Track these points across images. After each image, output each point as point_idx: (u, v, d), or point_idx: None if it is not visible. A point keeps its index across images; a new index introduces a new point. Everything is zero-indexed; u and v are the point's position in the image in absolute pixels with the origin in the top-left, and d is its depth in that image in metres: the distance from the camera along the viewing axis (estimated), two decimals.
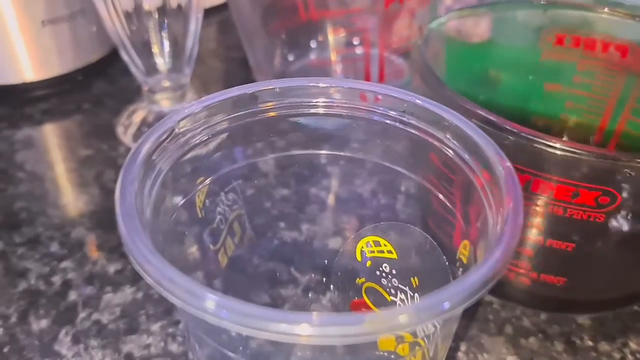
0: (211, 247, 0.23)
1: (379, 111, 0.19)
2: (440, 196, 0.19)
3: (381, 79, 0.44)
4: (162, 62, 0.40)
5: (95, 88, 0.49)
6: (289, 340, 0.13)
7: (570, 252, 0.26)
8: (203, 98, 0.20)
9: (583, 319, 0.30)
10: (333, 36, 0.45)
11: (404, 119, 0.19)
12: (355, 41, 0.45)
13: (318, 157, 0.22)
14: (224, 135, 0.21)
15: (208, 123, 0.20)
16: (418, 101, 0.18)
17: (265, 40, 0.45)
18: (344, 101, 0.19)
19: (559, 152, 0.22)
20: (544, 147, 0.22)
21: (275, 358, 0.23)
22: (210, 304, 0.13)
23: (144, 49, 0.40)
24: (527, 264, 0.27)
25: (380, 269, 0.22)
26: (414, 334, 0.20)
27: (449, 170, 0.18)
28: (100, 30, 0.48)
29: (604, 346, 0.29)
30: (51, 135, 0.44)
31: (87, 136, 0.44)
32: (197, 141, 0.20)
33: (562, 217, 0.24)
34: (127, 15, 0.38)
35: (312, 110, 0.20)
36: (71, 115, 0.46)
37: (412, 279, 0.21)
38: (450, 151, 0.18)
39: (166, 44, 0.40)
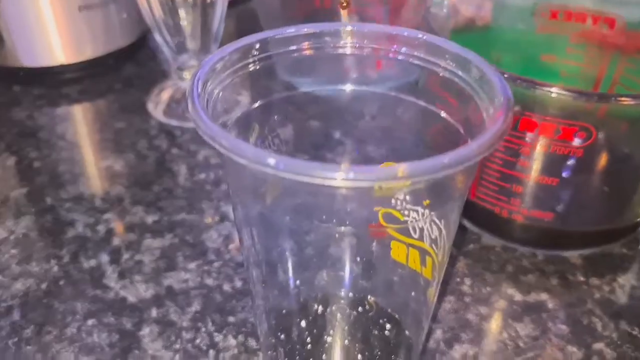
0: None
1: (393, 49, 0.23)
2: (451, 119, 0.23)
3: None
4: (191, 41, 0.44)
5: (125, 71, 0.53)
6: (326, 183, 0.16)
7: (555, 187, 0.29)
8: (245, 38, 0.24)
9: (575, 259, 0.33)
10: (346, 22, 0.49)
11: (418, 55, 0.22)
12: None
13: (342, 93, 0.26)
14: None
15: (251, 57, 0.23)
16: (431, 39, 0.22)
17: (284, 23, 0.49)
18: (366, 41, 0.23)
19: (542, 92, 0.26)
20: (530, 88, 0.26)
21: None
22: (272, 161, 0.16)
23: (175, 30, 0.43)
24: (518, 201, 0.31)
25: (395, 197, 0.25)
26: (422, 237, 0.24)
27: (460, 97, 0.22)
28: (130, 17, 0.52)
29: (594, 281, 0.32)
30: (87, 112, 0.48)
31: (120, 112, 0.47)
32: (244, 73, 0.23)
33: (547, 153, 0.28)
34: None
35: (341, 51, 0.23)
36: (104, 95, 0.50)
37: (423, 201, 0.24)
38: (455, 77, 0.22)
39: (195, 24, 0.43)
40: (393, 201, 0.26)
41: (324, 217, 0.26)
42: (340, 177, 0.16)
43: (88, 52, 0.51)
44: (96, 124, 0.46)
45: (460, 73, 0.21)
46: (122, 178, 0.40)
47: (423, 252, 0.25)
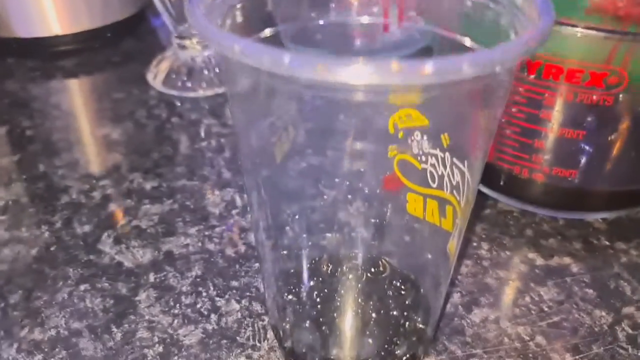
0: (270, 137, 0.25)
1: None
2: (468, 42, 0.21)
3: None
4: None
5: (124, 45, 0.51)
6: (338, 80, 0.14)
7: (580, 141, 0.27)
8: None
9: (599, 224, 0.31)
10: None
11: None
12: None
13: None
14: None
15: None
16: None
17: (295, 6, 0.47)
18: None
19: (568, 33, 0.24)
20: (555, 30, 0.24)
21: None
22: (286, 59, 0.14)
23: None
24: (540, 158, 0.29)
25: (412, 137, 0.23)
26: (441, 186, 0.22)
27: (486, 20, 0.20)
28: None
29: (620, 245, 0.30)
30: (84, 83, 0.46)
31: (118, 83, 0.45)
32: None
33: (572, 103, 0.26)
34: None
35: None
36: (102, 68, 0.48)
37: (442, 137, 0.22)
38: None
39: None
40: (409, 141, 0.24)
41: (335, 167, 0.24)
42: (358, 69, 0.14)
43: (84, 23, 0.49)
44: (93, 95, 0.45)
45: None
46: (119, 146, 0.38)
47: (442, 202, 0.23)
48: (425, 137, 0.23)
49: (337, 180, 0.27)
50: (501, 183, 0.32)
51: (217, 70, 0.44)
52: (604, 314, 0.27)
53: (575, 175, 0.29)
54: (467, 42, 0.21)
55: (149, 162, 0.36)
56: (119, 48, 0.51)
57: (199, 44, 0.44)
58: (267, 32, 0.23)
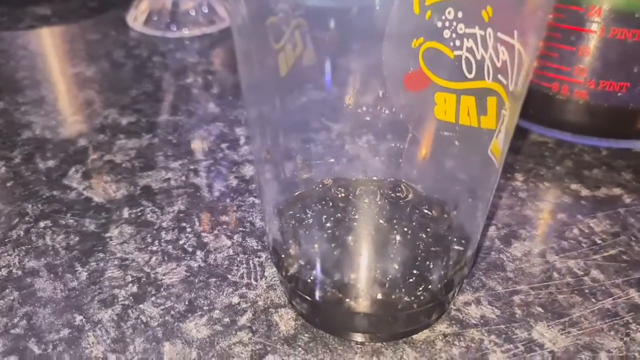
0: (274, 44, 0.20)
1: None
2: None
3: None
4: None
5: None
6: None
7: (636, 43, 0.23)
8: None
9: None
10: None
11: None
12: None
13: None
14: None
15: None
16: None
17: None
18: None
19: None
20: None
21: None
22: None
23: None
24: (585, 68, 0.24)
25: (443, 17, 0.19)
26: (481, 75, 0.18)
27: None
28: None
29: None
30: (56, 27, 0.42)
31: (94, 25, 0.41)
32: None
33: None
34: None
35: None
36: (77, 11, 0.43)
37: (483, 12, 0.18)
38: None
39: None
40: (439, 23, 0.20)
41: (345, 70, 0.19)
42: None
43: None
44: (66, 37, 0.40)
45: None
46: (93, 83, 0.33)
47: (482, 95, 0.19)
48: (460, 14, 0.19)
49: (348, 83, 0.22)
50: (532, 108, 0.27)
51: (204, 10, 0.39)
52: None
53: (625, 89, 0.24)
54: None
55: (126, 99, 0.32)
56: None
57: None
58: None
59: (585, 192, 0.25)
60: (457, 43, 0.19)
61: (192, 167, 0.26)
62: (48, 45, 0.38)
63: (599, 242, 0.22)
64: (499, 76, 0.18)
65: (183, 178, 0.26)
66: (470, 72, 0.19)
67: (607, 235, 0.23)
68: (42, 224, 0.23)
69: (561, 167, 0.26)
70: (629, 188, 0.25)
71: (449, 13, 0.19)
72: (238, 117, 0.30)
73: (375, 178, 0.23)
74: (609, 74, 0.24)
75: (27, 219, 0.24)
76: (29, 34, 0.40)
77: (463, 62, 0.19)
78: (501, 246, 0.22)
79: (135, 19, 0.40)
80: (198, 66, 0.35)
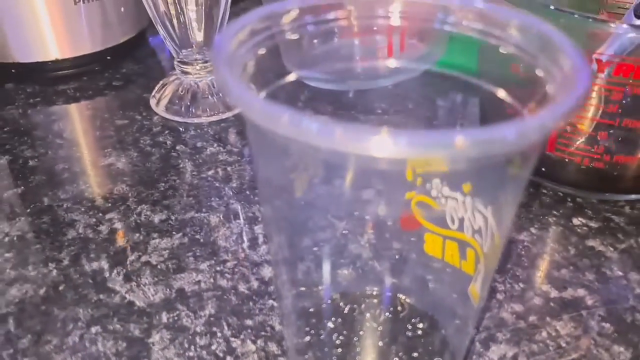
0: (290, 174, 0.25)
1: (439, 17, 0.21)
2: (501, 93, 0.20)
3: (402, 49, 0.46)
4: (195, 35, 0.42)
5: (124, 68, 0.51)
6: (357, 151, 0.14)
7: None
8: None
9: None
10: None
11: (462, 23, 0.20)
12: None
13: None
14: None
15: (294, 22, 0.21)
16: (477, 5, 0.20)
17: None
18: (402, 11, 0.21)
19: None
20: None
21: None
22: (311, 126, 0.14)
23: (179, 23, 0.41)
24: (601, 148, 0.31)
25: (430, 183, 0.23)
26: (461, 228, 0.22)
27: (512, 68, 0.20)
28: (128, 11, 0.50)
29: None
30: (85, 109, 0.46)
31: (120, 109, 0.45)
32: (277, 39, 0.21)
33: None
34: None
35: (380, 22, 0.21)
36: (103, 92, 0.48)
37: (463, 185, 0.22)
38: (511, 47, 0.19)
39: (200, 17, 0.41)
40: (428, 186, 0.24)
41: (353, 206, 0.24)
42: (383, 142, 0.14)
43: (84, 47, 0.48)
44: (95, 122, 0.44)
45: (519, 42, 0.19)
46: (125, 176, 0.38)
47: (463, 245, 0.23)
48: (445, 183, 0.23)
49: (354, 218, 0.27)
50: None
51: (220, 95, 0.44)
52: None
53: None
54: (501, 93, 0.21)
55: (156, 194, 0.36)
56: (119, 71, 0.50)
57: (202, 70, 0.43)
58: (292, 76, 0.23)
59: (554, 293, 0.29)
60: (443, 201, 0.23)
61: (218, 268, 0.31)
62: (81, 131, 0.43)
63: (564, 345, 0.27)
64: (476, 236, 0.22)
65: (211, 280, 0.30)
66: (453, 223, 0.23)
67: (571, 339, 0.27)
68: (93, 330, 0.27)
69: (533, 268, 0.31)
70: (591, 289, 0.29)
71: (435, 181, 0.23)
72: (256, 214, 0.34)
73: (375, 292, 0.27)
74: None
75: (79, 324, 0.28)
76: (62, 118, 0.44)
77: (447, 215, 0.23)
78: (481, 349, 0.26)
79: (158, 103, 0.44)
80: (218, 155, 0.39)
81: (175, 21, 0.42)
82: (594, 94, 0.30)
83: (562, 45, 0.17)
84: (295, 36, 0.21)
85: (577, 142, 0.32)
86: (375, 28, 0.22)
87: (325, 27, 0.22)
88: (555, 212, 0.34)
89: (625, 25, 0.29)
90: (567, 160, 0.33)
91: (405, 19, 0.22)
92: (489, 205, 0.21)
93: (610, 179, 0.33)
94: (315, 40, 0.28)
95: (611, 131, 0.31)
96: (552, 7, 0.30)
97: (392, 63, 0.30)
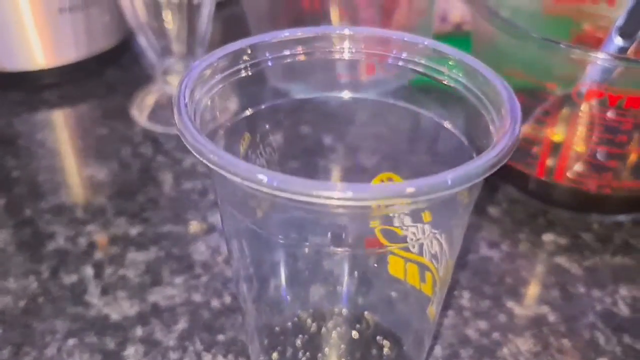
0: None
1: (392, 55, 0.21)
2: (452, 129, 0.21)
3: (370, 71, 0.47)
4: (176, 45, 0.43)
5: (108, 76, 0.51)
6: (322, 202, 0.15)
7: None
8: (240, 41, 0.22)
9: None
10: (336, 25, 0.48)
11: (416, 60, 0.21)
12: None
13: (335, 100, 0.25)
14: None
15: (254, 59, 0.22)
16: (433, 45, 0.21)
17: (273, 28, 0.47)
18: (361, 47, 0.22)
19: None
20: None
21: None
22: (263, 178, 0.15)
23: (160, 32, 0.42)
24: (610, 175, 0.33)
25: (394, 215, 0.24)
26: (421, 252, 0.23)
27: (460, 105, 0.20)
28: (112, 19, 0.50)
29: None
30: (68, 118, 0.47)
31: (102, 118, 0.46)
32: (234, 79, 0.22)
33: None
34: (146, 0, 0.40)
35: (336, 56, 0.22)
36: (86, 100, 0.48)
37: (422, 214, 0.23)
38: (460, 86, 0.20)
39: (181, 27, 0.42)
40: (391, 215, 0.25)
41: (317, 231, 0.24)
42: (338, 195, 0.15)
43: (69, 56, 0.49)
44: (78, 131, 0.45)
45: (463, 80, 0.20)
46: (105, 187, 0.38)
47: (422, 267, 0.24)
48: (406, 213, 0.24)
49: (319, 237, 0.28)
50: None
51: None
52: None
53: None
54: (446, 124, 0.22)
55: (134, 206, 0.37)
56: (103, 79, 0.51)
57: None
58: (249, 111, 0.24)
59: (518, 310, 0.30)
60: (404, 228, 0.24)
61: (192, 282, 0.31)
62: (63, 141, 0.43)
63: None
64: (433, 260, 0.23)
65: (185, 295, 0.31)
66: (413, 247, 0.24)
67: (531, 355, 0.28)
68: (70, 342, 0.28)
69: (501, 285, 0.32)
70: (554, 306, 0.30)
71: (398, 215, 0.24)
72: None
73: (344, 310, 0.28)
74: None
75: (57, 336, 0.29)
76: (45, 127, 0.45)
77: (408, 239, 0.24)
78: None
79: (140, 113, 0.45)
80: (197, 166, 0.40)
81: (156, 31, 0.42)
82: (603, 125, 0.32)
83: (503, 94, 0.18)
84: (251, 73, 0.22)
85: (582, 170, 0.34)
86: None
87: (283, 63, 0.22)
88: (526, 229, 0.35)
89: (603, 55, 0.30)
90: (569, 186, 0.35)
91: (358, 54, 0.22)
92: (443, 233, 0.22)
93: (601, 200, 0.35)
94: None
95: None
96: (535, 35, 0.31)
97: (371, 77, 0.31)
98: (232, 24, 0.59)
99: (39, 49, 0.47)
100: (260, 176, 0.15)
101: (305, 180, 0.15)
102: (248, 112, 0.23)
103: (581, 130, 0.34)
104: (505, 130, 0.17)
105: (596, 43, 0.43)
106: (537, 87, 0.35)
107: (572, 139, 0.34)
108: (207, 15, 0.42)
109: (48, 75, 0.49)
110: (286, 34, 0.22)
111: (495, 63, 0.37)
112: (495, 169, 0.16)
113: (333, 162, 0.30)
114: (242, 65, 0.21)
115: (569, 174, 0.34)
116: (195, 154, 0.17)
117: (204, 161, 0.17)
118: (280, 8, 0.48)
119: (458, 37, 0.52)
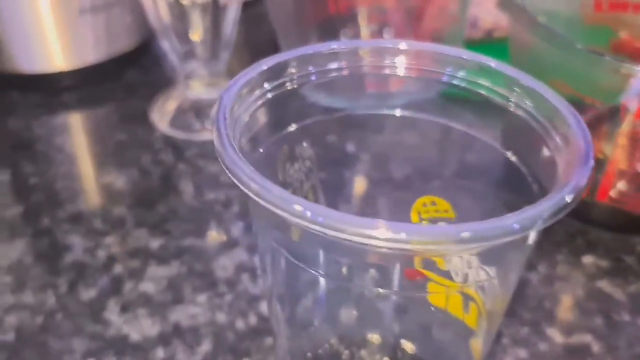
0: None
1: (445, 72, 0.20)
2: (509, 155, 0.20)
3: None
4: (200, 48, 0.41)
5: (128, 77, 0.50)
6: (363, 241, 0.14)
7: None
8: (283, 54, 0.21)
9: None
10: (364, 28, 0.46)
11: (469, 78, 0.20)
12: (387, 33, 0.46)
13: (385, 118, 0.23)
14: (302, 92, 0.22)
15: (296, 73, 0.21)
16: (487, 62, 0.19)
17: (298, 30, 0.46)
18: (413, 63, 0.20)
19: None
20: None
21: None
22: (299, 208, 0.14)
23: (184, 35, 0.41)
24: None
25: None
26: (465, 280, 0.21)
27: (519, 129, 0.19)
28: (133, 20, 0.49)
29: None
30: (87, 121, 0.45)
31: (121, 122, 0.44)
32: (276, 97, 0.21)
33: None
34: (169, 2, 0.39)
35: (385, 71, 0.21)
36: (105, 103, 0.47)
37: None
38: (519, 110, 0.19)
39: (205, 30, 0.41)
40: None
41: (356, 263, 0.23)
42: (386, 236, 0.14)
43: (88, 58, 0.48)
44: (96, 135, 0.44)
45: (529, 105, 0.18)
46: (124, 196, 0.37)
47: (466, 298, 0.22)
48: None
49: (358, 271, 0.26)
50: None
51: None
52: None
53: None
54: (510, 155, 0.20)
55: (155, 216, 0.35)
56: (123, 81, 0.49)
57: (204, 87, 0.43)
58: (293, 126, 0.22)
59: (558, 337, 0.29)
60: (447, 258, 0.22)
61: (216, 301, 0.30)
62: (82, 146, 0.42)
63: None
64: (479, 291, 0.22)
65: (209, 314, 0.29)
66: (457, 276, 0.23)
67: None
68: None
69: (539, 310, 0.30)
70: (598, 334, 0.29)
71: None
72: (256, 242, 0.33)
73: (377, 336, 0.26)
74: None
75: (75, 356, 0.27)
76: (64, 131, 0.43)
77: (452, 269, 0.23)
78: None
79: (161, 118, 0.43)
80: (220, 176, 0.38)
81: (179, 34, 0.41)
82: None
83: (570, 120, 0.17)
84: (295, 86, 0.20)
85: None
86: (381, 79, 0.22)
87: (327, 77, 0.21)
88: (564, 250, 0.33)
89: None
90: (611, 205, 0.33)
91: (411, 71, 0.21)
92: (493, 266, 0.21)
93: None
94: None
95: None
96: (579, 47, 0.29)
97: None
98: (256, 23, 0.57)
99: (58, 51, 0.46)
100: (298, 207, 0.14)
101: (351, 218, 0.13)
102: (290, 128, 0.22)
103: (626, 147, 0.32)
104: (578, 162, 0.15)
105: (635, 53, 0.41)
106: (576, 99, 0.34)
107: (616, 156, 0.32)
108: (232, 18, 0.41)
109: (67, 78, 0.48)
110: (333, 46, 0.21)
111: (535, 73, 0.35)
112: (570, 209, 0.14)
113: (375, 181, 0.29)
114: (284, 80, 0.20)
115: (611, 193, 0.32)
116: (233, 179, 0.16)
117: (243, 188, 0.16)
118: (305, 10, 0.46)
119: (491, 44, 0.50)
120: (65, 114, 0.46)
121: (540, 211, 0.14)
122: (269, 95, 0.20)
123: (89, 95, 0.48)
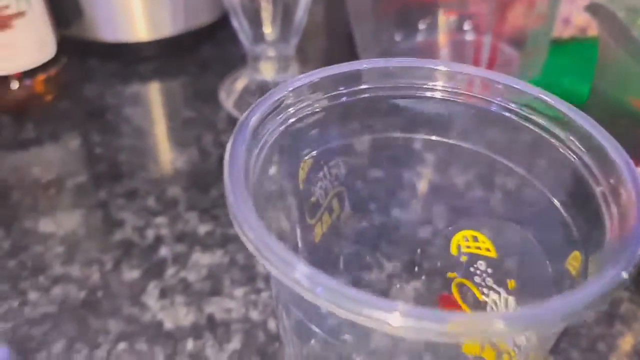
0: (308, 220, 0.23)
1: (495, 101, 0.18)
2: (553, 199, 0.18)
3: (490, 68, 0.42)
4: (270, 31, 0.41)
5: (203, 52, 0.50)
6: (374, 326, 0.12)
7: None
8: (312, 72, 0.20)
9: None
10: (444, 19, 0.43)
11: (521, 111, 0.17)
12: (467, 26, 0.43)
13: (419, 142, 0.22)
14: (328, 111, 0.21)
15: (315, 97, 0.20)
16: (542, 96, 0.17)
17: (374, 18, 0.44)
18: (458, 87, 0.19)
19: None
20: None
21: (356, 343, 0.23)
22: (304, 278, 0.13)
23: (254, 17, 0.40)
24: None
25: (475, 266, 0.21)
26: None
27: (567, 173, 0.17)
28: None
29: None
30: (157, 94, 0.46)
31: (190, 98, 0.45)
32: (303, 115, 0.20)
33: None
34: None
35: (427, 94, 0.19)
36: (178, 76, 0.47)
37: (508, 281, 0.20)
38: (570, 152, 0.17)
39: (276, 13, 0.40)
40: (471, 268, 0.22)
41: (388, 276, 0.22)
42: (400, 322, 0.12)
43: (166, 30, 0.48)
44: (165, 109, 0.44)
45: (580, 150, 0.16)
46: (181, 177, 0.37)
47: (499, 351, 0.20)
48: (490, 270, 0.21)
49: (388, 284, 0.25)
50: None
51: None
52: None
53: None
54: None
55: (206, 201, 0.35)
56: (198, 55, 0.50)
57: (272, 70, 0.42)
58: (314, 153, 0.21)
59: None
60: (485, 291, 0.21)
61: (252, 297, 0.30)
62: (149, 120, 0.43)
63: None
64: (515, 348, 0.20)
65: (243, 310, 0.29)
66: None
67: None
68: (120, 347, 0.28)
69: (592, 352, 0.27)
70: None
71: (480, 264, 0.21)
72: None
73: None
74: None
75: (110, 337, 0.28)
76: (134, 103, 0.44)
77: (488, 307, 0.21)
78: None
79: (228, 97, 0.43)
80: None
81: (250, 15, 0.40)
82: None
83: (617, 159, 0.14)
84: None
85: None
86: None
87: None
88: (632, 286, 0.30)
89: None
90: None
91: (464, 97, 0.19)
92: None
93: None
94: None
95: None
96: None
97: None
98: (332, 6, 0.56)
99: (141, 21, 0.47)
100: (297, 274, 0.13)
101: (360, 295, 0.12)
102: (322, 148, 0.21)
103: None
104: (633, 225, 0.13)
105: None
106: None
107: None
108: (305, 2, 0.40)
109: (145, 48, 0.48)
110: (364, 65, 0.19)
111: (618, 87, 0.32)
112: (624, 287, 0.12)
113: (406, 208, 0.27)
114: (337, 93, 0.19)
115: None
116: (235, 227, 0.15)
117: (243, 239, 0.15)
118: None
119: (581, 42, 0.46)
120: (138, 84, 0.46)
121: (590, 293, 0.12)
122: (302, 113, 0.19)
123: (164, 67, 0.48)
